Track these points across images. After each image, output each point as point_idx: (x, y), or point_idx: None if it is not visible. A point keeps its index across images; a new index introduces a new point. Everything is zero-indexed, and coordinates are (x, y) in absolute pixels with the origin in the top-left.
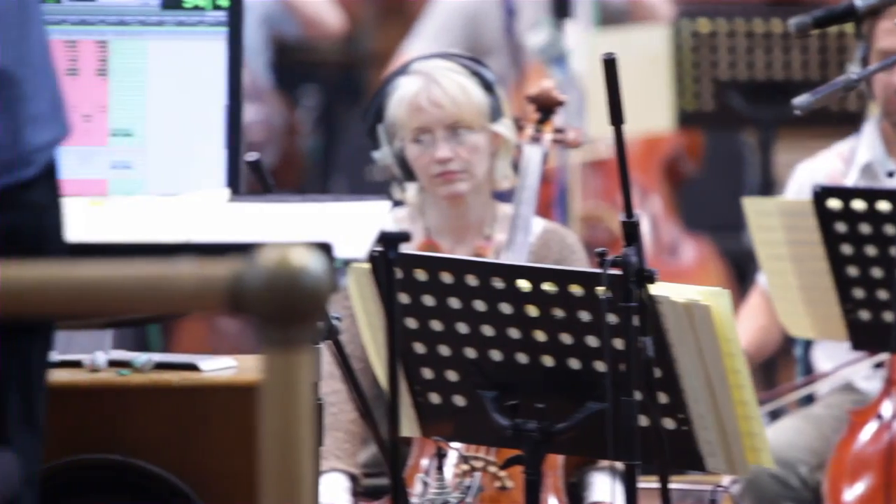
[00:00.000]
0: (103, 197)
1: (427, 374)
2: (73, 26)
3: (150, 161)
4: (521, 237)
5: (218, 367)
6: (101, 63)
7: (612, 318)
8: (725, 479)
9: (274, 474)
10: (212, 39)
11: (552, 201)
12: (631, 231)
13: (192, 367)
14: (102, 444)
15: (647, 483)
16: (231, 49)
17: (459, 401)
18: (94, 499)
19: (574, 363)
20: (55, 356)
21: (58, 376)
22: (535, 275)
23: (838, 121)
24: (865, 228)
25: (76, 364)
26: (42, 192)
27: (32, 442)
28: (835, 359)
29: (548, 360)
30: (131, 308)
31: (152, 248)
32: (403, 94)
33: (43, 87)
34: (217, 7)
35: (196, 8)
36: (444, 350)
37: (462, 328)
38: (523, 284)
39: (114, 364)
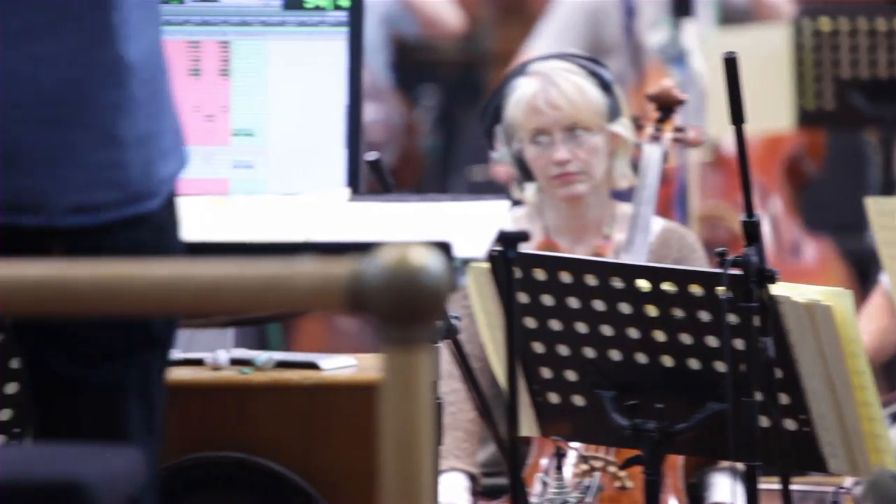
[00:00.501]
0: (225, 196)
1: (546, 373)
2: (196, 27)
3: (271, 161)
4: (640, 237)
5: (338, 366)
6: (224, 63)
7: (732, 319)
8: (847, 481)
9: (393, 473)
10: (333, 39)
11: (672, 201)
12: (752, 231)
13: (313, 366)
14: (224, 442)
15: (769, 484)
16: (351, 49)
17: (578, 400)
18: (216, 497)
19: (694, 363)
20: (178, 354)
21: (180, 374)
22: (654, 274)
23: None
24: None
25: (198, 362)
26: (164, 215)
27: (152, 447)
28: None
29: (667, 361)
30: (252, 307)
31: (272, 247)
32: (521, 96)
33: (169, 122)
34: (338, 7)
35: (317, 8)
36: (563, 350)
37: (581, 328)
38: (643, 284)
39: (235, 363)
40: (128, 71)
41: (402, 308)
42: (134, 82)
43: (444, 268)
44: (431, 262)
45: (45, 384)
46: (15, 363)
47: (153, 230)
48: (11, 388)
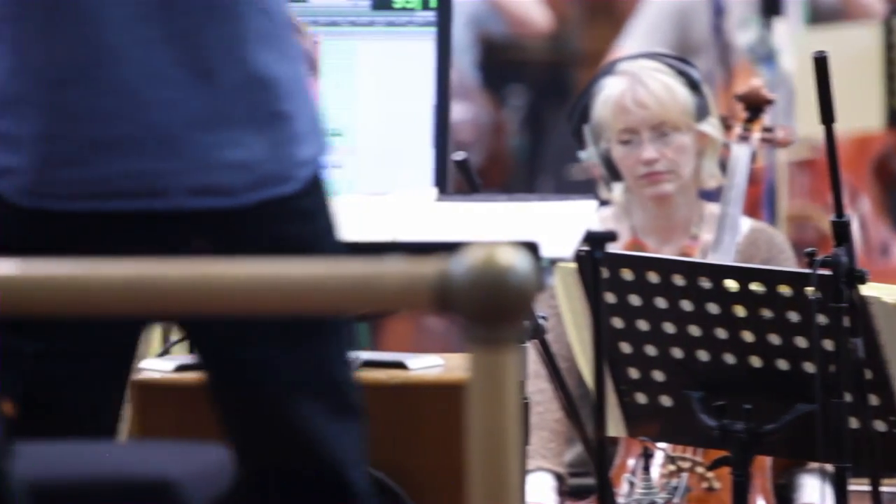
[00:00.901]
0: None
1: (633, 373)
2: None
3: (359, 160)
4: (728, 237)
5: (425, 366)
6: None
7: (821, 319)
8: None
9: (481, 473)
10: (421, 39)
11: (760, 201)
12: (841, 231)
13: (400, 366)
14: None
15: (858, 486)
16: (440, 49)
17: (666, 401)
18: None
19: (782, 364)
20: None
21: None
22: (742, 275)
23: None
24: None
25: None
26: (308, 202)
27: (345, 431)
28: None
29: (756, 361)
30: (340, 306)
31: (360, 246)
32: (608, 95)
33: (303, 107)
34: (426, 7)
35: (406, 8)
36: (651, 350)
37: (668, 328)
38: (731, 284)
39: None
40: (248, 50)
41: (489, 308)
42: (252, 62)
43: (532, 267)
44: (518, 261)
45: (227, 375)
46: None
47: (294, 217)
48: None
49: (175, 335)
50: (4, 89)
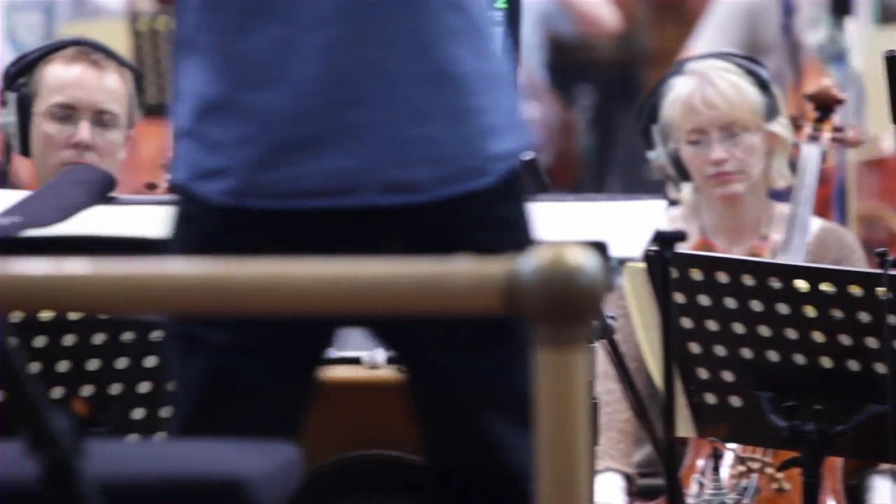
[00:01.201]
0: None
1: (702, 374)
2: None
3: None
4: (798, 237)
5: None
6: None
7: (892, 320)
8: None
9: (549, 473)
10: None
11: (830, 201)
12: None
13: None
14: (380, 440)
15: None
16: (508, 48)
17: (736, 401)
18: (372, 495)
19: (853, 364)
20: (334, 353)
21: (336, 373)
22: (812, 275)
23: None
24: None
25: (355, 361)
26: (503, 196)
27: (524, 441)
28: None
29: (826, 362)
30: (407, 306)
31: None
32: (677, 95)
33: (499, 101)
34: (495, 7)
35: None
36: (720, 350)
37: (738, 328)
38: (801, 284)
39: (392, 361)
40: (438, 46)
41: (558, 308)
42: (441, 57)
43: (600, 267)
44: (587, 261)
45: (419, 375)
46: (150, 362)
47: (489, 211)
48: (145, 387)
49: None
50: (205, 96)
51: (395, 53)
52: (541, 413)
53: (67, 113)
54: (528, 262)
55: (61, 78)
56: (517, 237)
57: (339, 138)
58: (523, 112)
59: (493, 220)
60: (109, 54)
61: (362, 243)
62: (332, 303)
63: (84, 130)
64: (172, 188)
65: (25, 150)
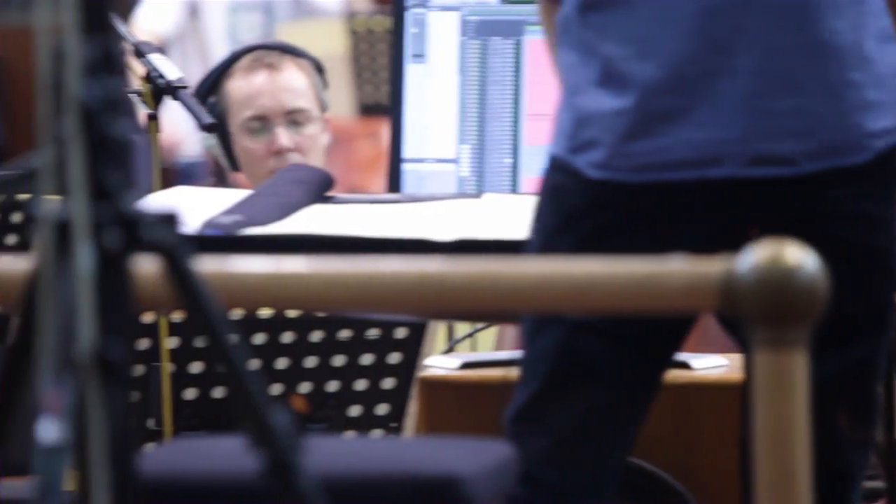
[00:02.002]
0: None
1: None
2: None
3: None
4: None
5: (709, 366)
6: None
7: None
8: None
9: (768, 475)
10: None
11: None
12: None
13: (684, 366)
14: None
15: None
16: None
17: None
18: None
19: None
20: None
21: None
22: None
23: None
24: None
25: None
26: (879, 176)
27: (861, 444)
28: None
29: None
30: (623, 306)
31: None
32: None
33: (878, 76)
34: None
35: None
36: None
37: None
38: None
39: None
40: (816, 18)
41: (776, 308)
42: (818, 28)
43: (820, 267)
44: (807, 261)
45: None
46: (367, 360)
47: (859, 190)
48: (388, 383)
49: (460, 332)
50: (581, 71)
51: (770, 23)
52: (758, 415)
53: (261, 124)
54: (746, 261)
55: (245, 91)
56: (886, 219)
57: (707, 108)
58: None
59: (863, 198)
60: (283, 50)
61: (723, 217)
62: (547, 301)
63: (281, 137)
64: (550, 161)
65: (235, 166)
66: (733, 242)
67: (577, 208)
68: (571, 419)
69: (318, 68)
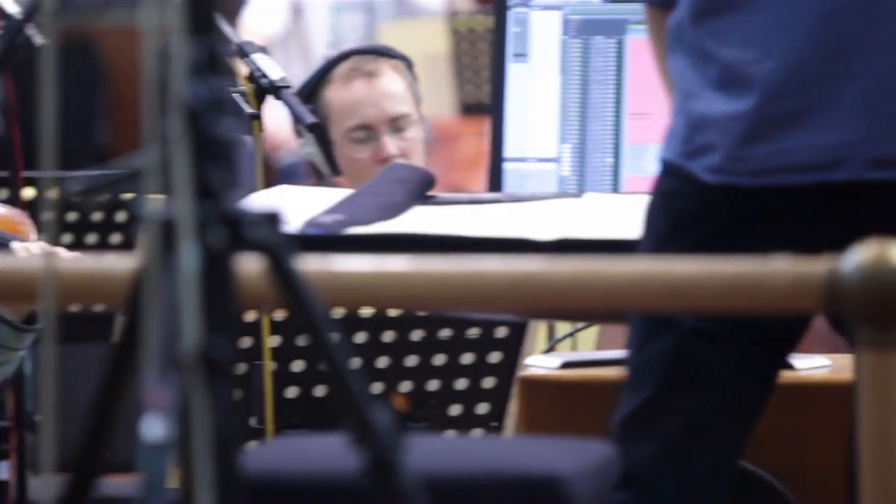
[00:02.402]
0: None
1: None
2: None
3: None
4: None
5: (812, 366)
6: None
7: None
8: None
9: (872, 477)
10: None
11: None
12: None
13: (788, 366)
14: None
15: None
16: None
17: None
18: None
19: None
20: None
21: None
22: None
23: None
24: None
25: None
26: None
27: None
28: None
29: None
30: (726, 305)
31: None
32: None
33: None
34: None
35: None
36: None
37: None
38: None
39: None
40: None
41: (881, 308)
42: None
43: None
44: None
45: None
46: (468, 359)
47: None
48: (489, 382)
49: (560, 332)
50: (695, 75)
51: (891, 26)
52: (863, 415)
53: (366, 134)
54: (851, 261)
55: (346, 100)
56: None
57: (827, 111)
58: None
59: None
60: (378, 53)
61: (840, 220)
62: (648, 301)
63: (388, 146)
64: (662, 165)
65: (335, 171)
66: (848, 246)
67: (691, 213)
68: (683, 425)
69: (409, 65)
